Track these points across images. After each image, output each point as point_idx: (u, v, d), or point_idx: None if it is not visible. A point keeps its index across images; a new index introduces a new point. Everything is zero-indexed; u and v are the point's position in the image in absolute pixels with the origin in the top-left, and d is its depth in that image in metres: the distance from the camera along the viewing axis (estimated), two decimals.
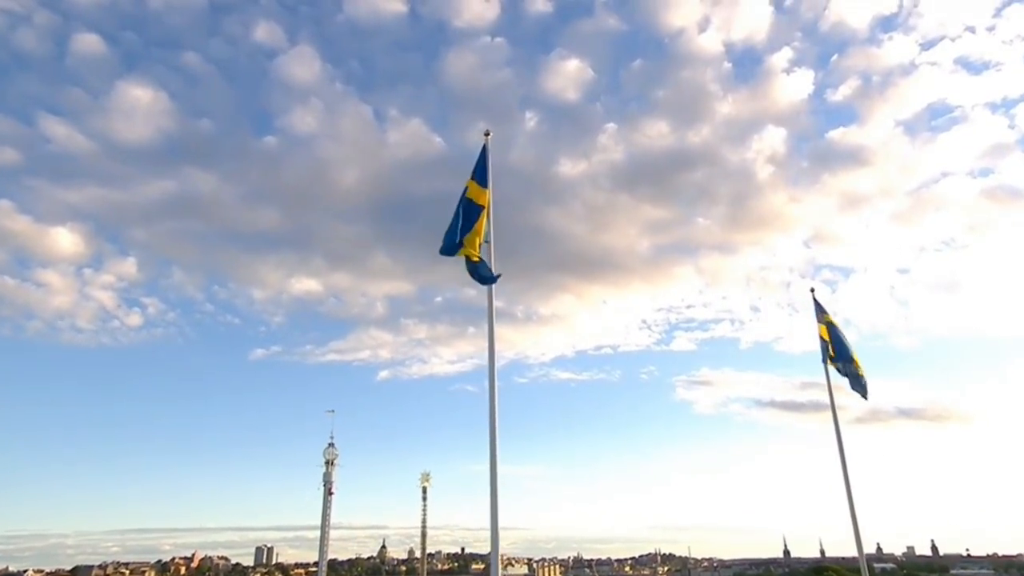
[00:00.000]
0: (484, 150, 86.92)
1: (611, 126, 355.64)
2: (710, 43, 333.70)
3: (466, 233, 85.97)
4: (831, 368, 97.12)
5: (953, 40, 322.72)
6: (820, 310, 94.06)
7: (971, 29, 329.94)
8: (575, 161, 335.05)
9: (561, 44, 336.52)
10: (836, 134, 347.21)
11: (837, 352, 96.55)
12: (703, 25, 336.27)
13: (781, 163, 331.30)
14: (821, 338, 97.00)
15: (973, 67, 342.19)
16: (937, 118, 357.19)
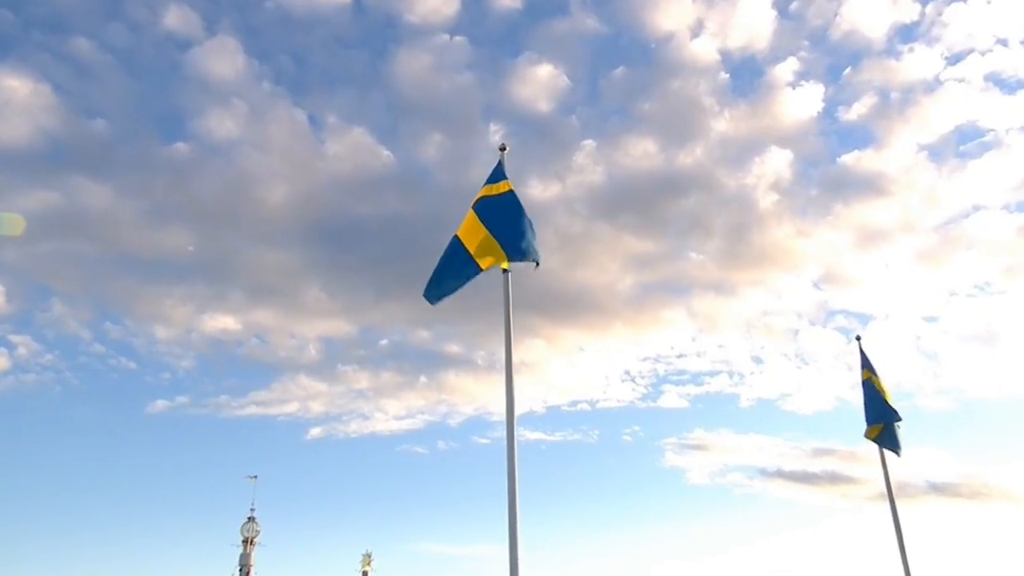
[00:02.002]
0: (500, 166, 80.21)
1: (589, 143, 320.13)
2: (704, 50, 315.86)
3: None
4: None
5: (983, 54, 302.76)
6: (866, 363, 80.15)
7: (1003, 42, 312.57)
8: (546, 183, 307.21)
9: (531, 47, 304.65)
10: (850, 158, 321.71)
11: (871, 413, 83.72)
12: (696, 29, 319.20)
13: (786, 191, 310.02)
14: (864, 381, 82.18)
15: (1007, 85, 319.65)
16: (966, 142, 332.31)
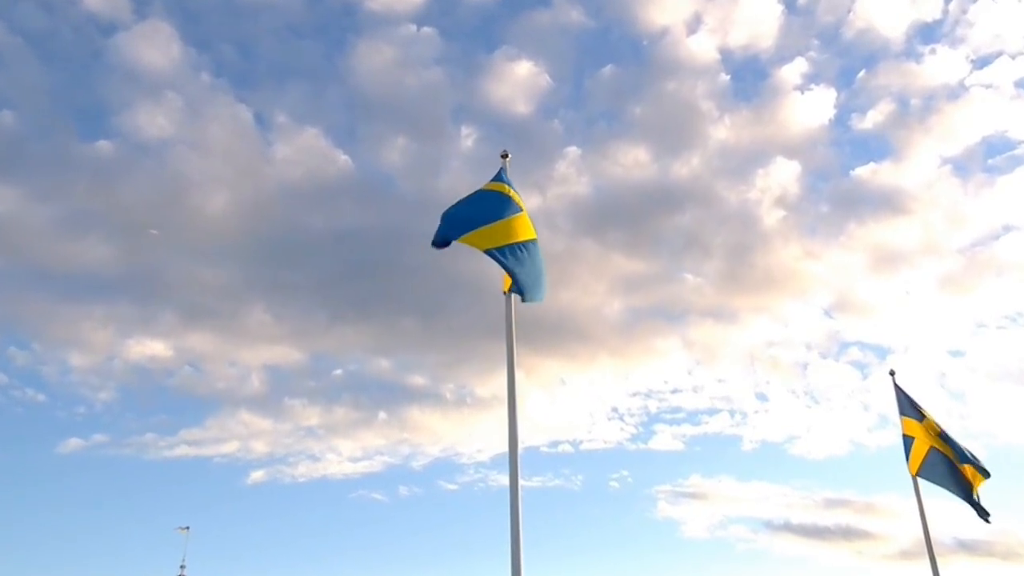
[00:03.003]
0: (501, 174, 78.10)
1: (573, 150, 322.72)
2: (702, 48, 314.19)
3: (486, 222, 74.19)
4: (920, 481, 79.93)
5: (1013, 57, 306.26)
6: (908, 403, 74.45)
7: None
8: (526, 194, 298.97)
9: (509, 41, 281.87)
10: (865, 172, 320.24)
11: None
12: (693, 25, 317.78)
13: (794, 207, 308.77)
14: (905, 437, 78.08)
15: None
16: (994, 155, 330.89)
